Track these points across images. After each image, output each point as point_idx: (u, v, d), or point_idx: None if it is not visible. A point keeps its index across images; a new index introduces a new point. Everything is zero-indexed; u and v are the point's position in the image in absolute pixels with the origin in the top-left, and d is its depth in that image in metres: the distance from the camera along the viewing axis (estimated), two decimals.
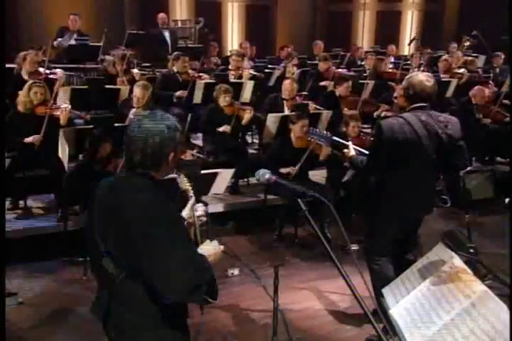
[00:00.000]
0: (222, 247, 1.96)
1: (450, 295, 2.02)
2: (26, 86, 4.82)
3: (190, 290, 1.70)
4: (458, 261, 2.22)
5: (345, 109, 6.20)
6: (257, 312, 3.65)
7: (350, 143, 3.40)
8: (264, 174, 1.92)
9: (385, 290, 2.35)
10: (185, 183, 2.16)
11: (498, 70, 9.32)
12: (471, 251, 3.46)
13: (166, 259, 1.68)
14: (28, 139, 4.62)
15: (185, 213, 2.12)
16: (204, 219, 2.17)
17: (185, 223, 2.08)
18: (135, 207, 1.72)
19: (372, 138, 3.21)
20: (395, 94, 3.34)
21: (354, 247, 4.64)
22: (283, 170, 4.79)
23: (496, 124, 6.46)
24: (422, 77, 3.07)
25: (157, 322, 1.80)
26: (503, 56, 9.43)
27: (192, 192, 2.18)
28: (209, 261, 1.84)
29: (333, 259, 1.71)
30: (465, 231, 4.11)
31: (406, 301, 2.18)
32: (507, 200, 5.96)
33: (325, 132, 3.77)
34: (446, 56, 8.60)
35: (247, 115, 5.55)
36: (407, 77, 3.16)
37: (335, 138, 3.57)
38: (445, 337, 1.87)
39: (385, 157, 3.06)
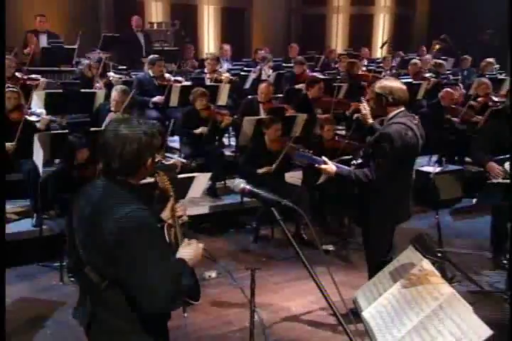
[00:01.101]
0: (201, 245, 1.95)
1: (419, 298, 2.10)
2: None
3: (169, 301, 1.73)
4: (426, 264, 2.30)
5: (319, 111, 6.29)
6: (233, 314, 3.70)
7: (326, 159, 3.30)
8: (239, 184, 1.94)
9: (358, 293, 2.43)
10: (164, 182, 2.11)
11: (466, 73, 9.60)
12: (439, 255, 3.59)
13: (144, 272, 1.69)
14: None
15: (164, 214, 2.09)
16: (186, 218, 2.13)
17: (165, 225, 2.05)
18: (113, 219, 1.70)
19: (380, 149, 3.09)
20: (367, 97, 3.41)
21: (329, 248, 4.75)
22: (260, 171, 4.86)
23: (464, 125, 6.66)
24: (398, 83, 3.20)
25: (140, 327, 1.81)
26: (470, 59, 9.73)
27: (172, 191, 2.12)
28: (190, 263, 1.86)
29: (305, 263, 1.77)
30: (435, 231, 4.23)
31: (378, 304, 2.25)
32: (474, 200, 6.14)
33: (311, 152, 3.69)
34: (415, 60, 8.83)
35: (226, 121, 5.63)
36: (381, 85, 3.16)
37: (316, 157, 3.39)
38: (414, 339, 1.95)
39: (396, 163, 3.07)
